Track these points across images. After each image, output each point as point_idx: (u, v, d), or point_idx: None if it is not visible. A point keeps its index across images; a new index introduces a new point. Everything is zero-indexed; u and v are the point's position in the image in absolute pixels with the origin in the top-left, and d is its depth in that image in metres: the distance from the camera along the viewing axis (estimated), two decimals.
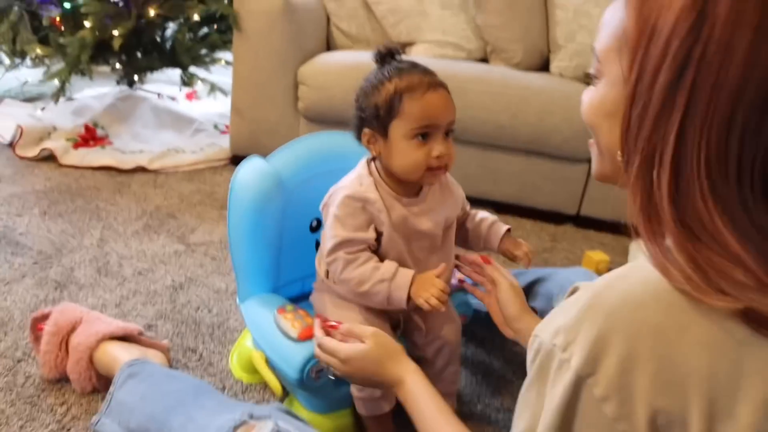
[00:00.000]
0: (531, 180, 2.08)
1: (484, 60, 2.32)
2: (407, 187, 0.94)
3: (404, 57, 0.94)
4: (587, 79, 0.64)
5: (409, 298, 0.89)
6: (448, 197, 1.00)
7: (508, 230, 1.05)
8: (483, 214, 1.08)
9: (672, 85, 0.46)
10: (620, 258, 1.92)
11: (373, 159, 0.96)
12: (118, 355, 1.03)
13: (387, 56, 0.92)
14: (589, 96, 0.57)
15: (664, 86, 0.46)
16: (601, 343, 0.45)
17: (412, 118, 0.87)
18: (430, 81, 0.88)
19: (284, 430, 0.76)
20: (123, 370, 0.97)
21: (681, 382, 0.43)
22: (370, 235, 0.92)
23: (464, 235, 1.08)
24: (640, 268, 0.48)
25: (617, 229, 2.09)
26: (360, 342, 0.84)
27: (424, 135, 0.88)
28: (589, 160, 2.04)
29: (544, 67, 2.28)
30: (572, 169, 2.05)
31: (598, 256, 1.75)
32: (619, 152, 0.52)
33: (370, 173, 0.94)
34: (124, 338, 1.09)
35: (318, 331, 0.89)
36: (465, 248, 1.09)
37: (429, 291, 0.88)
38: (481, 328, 1.35)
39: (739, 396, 0.43)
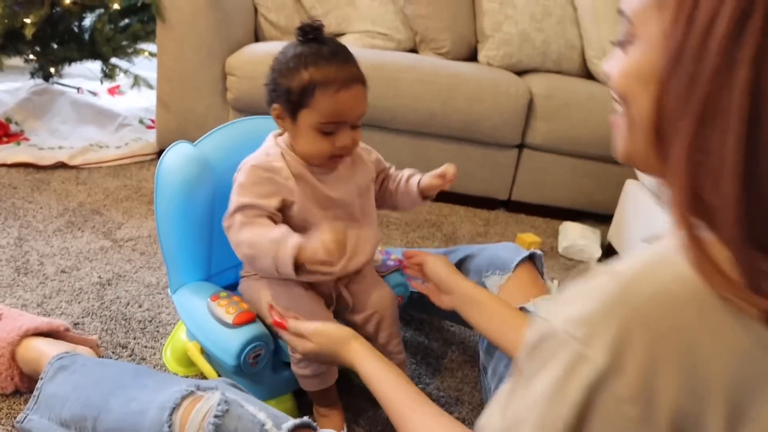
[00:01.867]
0: (463, 166, 2.10)
1: (414, 50, 2.34)
2: None
3: (328, 35, 0.92)
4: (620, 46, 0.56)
5: (297, 265, 0.83)
6: (358, 164, 1.01)
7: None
8: (405, 172, 1.07)
9: (734, 31, 0.40)
10: (551, 239, 1.99)
11: (282, 134, 0.97)
12: (45, 350, 0.97)
13: (310, 33, 0.89)
14: (619, 64, 0.50)
15: (723, 34, 0.40)
16: (628, 341, 0.42)
17: (322, 113, 0.87)
18: (346, 76, 0.87)
19: (232, 399, 0.75)
20: (52, 363, 0.92)
21: (706, 386, 0.42)
22: (272, 203, 0.90)
23: (391, 197, 1.08)
24: (672, 261, 0.44)
25: (547, 212, 2.17)
26: (307, 341, 0.89)
27: (331, 128, 0.89)
28: (519, 146, 2.11)
29: (472, 57, 2.33)
30: (503, 155, 2.10)
31: (530, 238, 1.80)
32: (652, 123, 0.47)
33: (277, 145, 0.95)
34: (50, 335, 1.03)
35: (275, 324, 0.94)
36: (394, 210, 1.12)
37: (319, 247, 0.82)
38: (419, 311, 1.36)
39: (763, 400, 0.42)
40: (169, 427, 0.74)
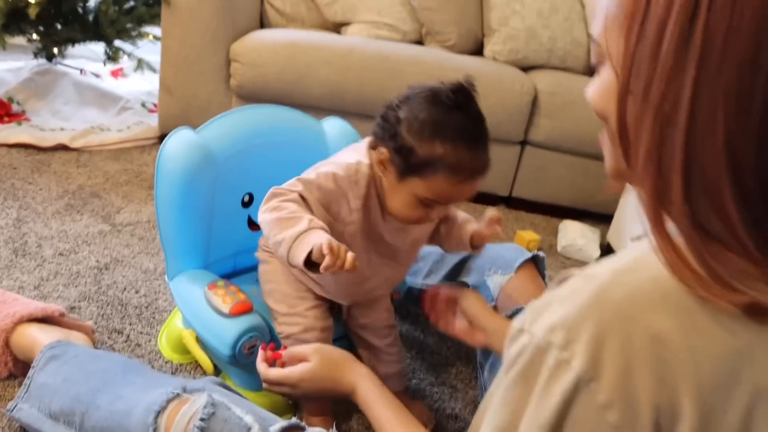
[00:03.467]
0: None
1: (419, 42, 2.32)
2: None
3: (475, 95, 0.84)
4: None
5: (308, 259, 0.75)
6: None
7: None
8: (459, 217, 1.01)
9: (682, 36, 0.41)
10: (550, 237, 1.98)
11: (374, 147, 0.86)
12: (38, 337, 0.97)
13: (461, 99, 0.81)
14: (595, 85, 0.52)
15: (673, 36, 0.41)
16: (603, 344, 0.42)
17: (435, 191, 0.81)
18: (477, 167, 0.81)
19: (218, 402, 0.74)
20: (44, 352, 0.92)
21: (678, 384, 0.42)
22: (317, 216, 0.82)
23: (440, 239, 1.02)
24: (647, 263, 0.44)
25: (547, 210, 2.16)
26: (305, 362, 0.83)
27: (434, 204, 0.83)
28: (521, 143, 2.10)
29: (478, 50, 2.31)
30: (505, 151, 2.09)
31: (530, 235, 1.79)
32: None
33: (370, 168, 0.85)
34: (45, 320, 1.03)
35: (260, 365, 0.86)
36: (445, 249, 1.05)
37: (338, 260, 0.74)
38: (415, 306, 1.36)
39: (735, 400, 0.42)
40: (155, 430, 0.74)
